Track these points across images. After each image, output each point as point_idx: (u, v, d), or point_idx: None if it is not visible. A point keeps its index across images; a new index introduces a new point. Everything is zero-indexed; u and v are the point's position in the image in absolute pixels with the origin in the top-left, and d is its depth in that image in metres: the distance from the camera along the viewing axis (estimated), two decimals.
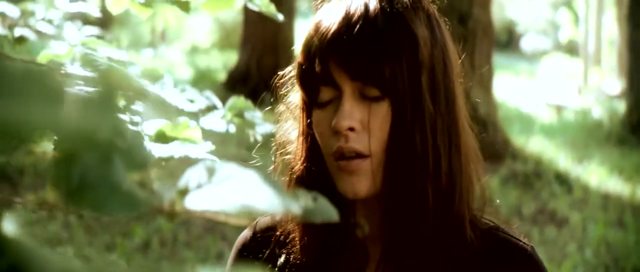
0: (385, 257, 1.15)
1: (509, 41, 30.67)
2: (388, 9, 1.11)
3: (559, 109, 13.71)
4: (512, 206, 7.03)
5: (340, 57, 1.09)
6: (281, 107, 1.25)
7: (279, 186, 0.55)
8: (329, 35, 1.10)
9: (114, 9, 1.44)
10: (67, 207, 0.50)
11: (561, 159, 8.95)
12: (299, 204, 0.55)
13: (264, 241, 1.26)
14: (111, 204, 0.50)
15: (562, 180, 7.99)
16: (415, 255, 1.12)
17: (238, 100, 1.99)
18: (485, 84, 9.67)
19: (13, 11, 1.97)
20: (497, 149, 9.13)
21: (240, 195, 0.53)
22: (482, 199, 1.18)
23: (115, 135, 0.52)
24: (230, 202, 0.53)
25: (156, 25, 22.94)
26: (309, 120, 1.17)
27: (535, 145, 9.73)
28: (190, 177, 0.55)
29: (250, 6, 1.64)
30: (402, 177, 1.11)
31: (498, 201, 7.14)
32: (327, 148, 1.13)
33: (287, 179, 1.21)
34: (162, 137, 1.61)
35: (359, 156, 1.10)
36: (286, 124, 1.25)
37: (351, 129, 1.10)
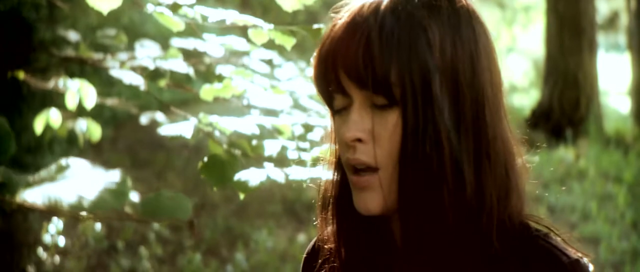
0: None
1: None
2: (399, 9, 1.02)
3: None
4: None
5: (347, 65, 1.03)
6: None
7: (117, 186, 0.59)
8: (336, 39, 1.05)
9: (257, 41, 1.55)
10: None
11: None
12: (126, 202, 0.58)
13: (318, 253, 1.24)
14: None
15: None
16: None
17: None
18: None
19: (217, 51, 2.17)
20: None
21: (66, 192, 0.58)
22: (518, 202, 1.08)
23: None
24: (57, 197, 0.58)
25: None
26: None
27: None
28: (43, 173, 0.61)
29: None
30: (416, 192, 1.03)
31: None
32: (343, 159, 1.09)
33: (323, 188, 1.18)
34: (317, 161, 1.70)
35: (369, 168, 1.05)
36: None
37: (359, 140, 1.04)
